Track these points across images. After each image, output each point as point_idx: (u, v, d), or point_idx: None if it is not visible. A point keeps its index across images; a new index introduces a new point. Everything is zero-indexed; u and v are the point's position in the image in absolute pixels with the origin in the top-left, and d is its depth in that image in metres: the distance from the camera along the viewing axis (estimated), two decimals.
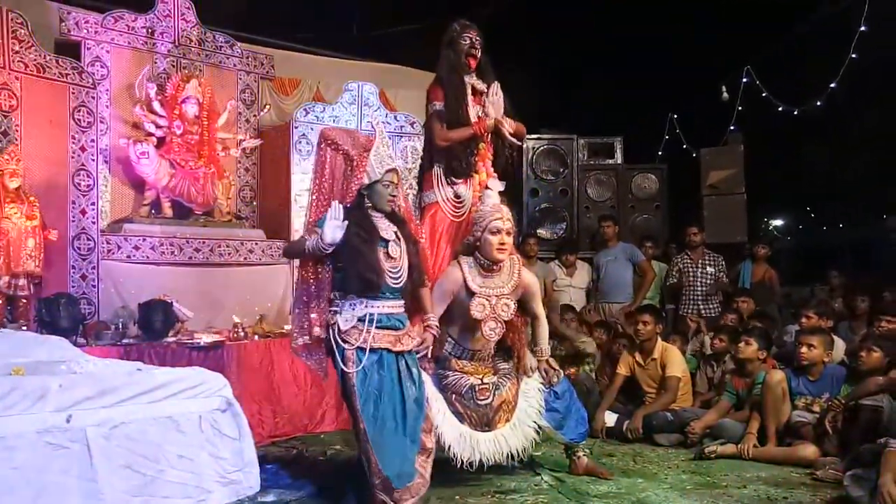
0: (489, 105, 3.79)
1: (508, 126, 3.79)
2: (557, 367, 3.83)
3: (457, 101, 3.80)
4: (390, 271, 3.06)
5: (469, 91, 3.87)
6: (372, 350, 3.01)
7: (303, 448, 4.44)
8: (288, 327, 4.79)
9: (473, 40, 3.84)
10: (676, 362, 4.81)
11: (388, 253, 3.07)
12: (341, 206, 2.99)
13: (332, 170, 3.17)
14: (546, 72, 8.38)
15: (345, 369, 2.99)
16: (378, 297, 3.05)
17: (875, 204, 8.73)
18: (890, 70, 7.33)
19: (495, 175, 3.90)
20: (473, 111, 3.85)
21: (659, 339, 4.94)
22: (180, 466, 2.16)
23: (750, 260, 6.79)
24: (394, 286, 3.07)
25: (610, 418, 4.74)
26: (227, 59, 6.21)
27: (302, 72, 7.08)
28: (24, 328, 4.15)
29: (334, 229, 2.95)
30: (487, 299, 3.52)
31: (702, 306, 6.25)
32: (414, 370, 3.19)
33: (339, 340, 3.01)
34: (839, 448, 3.78)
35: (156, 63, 5.76)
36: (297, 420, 4.78)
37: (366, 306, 3.03)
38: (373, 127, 3.19)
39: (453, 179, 3.81)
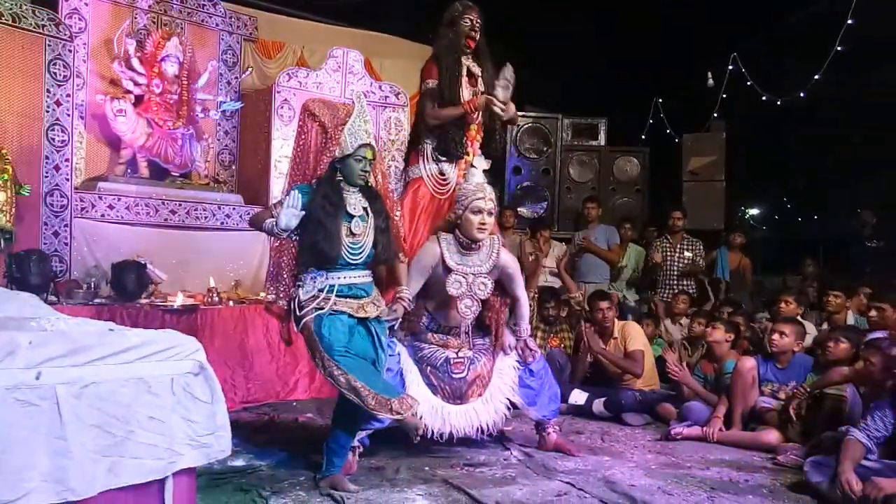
0: (499, 88, 3.77)
1: (503, 107, 3.77)
2: (535, 348, 3.86)
3: (451, 80, 3.77)
4: (350, 246, 3.05)
5: (464, 72, 3.85)
6: (335, 313, 3.01)
7: (274, 415, 4.44)
8: (263, 294, 4.77)
9: (474, 22, 3.82)
10: (636, 336, 4.87)
11: (350, 228, 3.06)
12: (299, 193, 3.00)
13: (309, 141, 3.15)
14: (533, 50, 8.31)
15: (304, 320, 2.99)
16: (338, 269, 3.05)
17: (851, 197, 8.86)
18: (873, 65, 7.39)
19: (481, 153, 3.89)
20: (467, 92, 3.83)
21: (616, 319, 5.00)
22: (151, 428, 2.13)
23: (726, 248, 6.88)
24: (353, 261, 3.07)
25: (580, 397, 4.79)
26: (210, 17, 6.08)
27: (286, 35, 6.96)
28: None
29: (289, 217, 2.97)
30: (464, 277, 3.53)
31: (676, 290, 6.34)
32: (383, 338, 3.20)
33: (298, 309, 3.03)
34: (802, 435, 3.87)
35: (136, 18, 5.63)
36: (269, 387, 4.78)
37: (326, 278, 3.04)
38: (353, 99, 3.15)
39: (439, 157, 3.79)
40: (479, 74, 3.89)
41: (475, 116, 3.83)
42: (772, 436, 3.96)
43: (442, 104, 3.76)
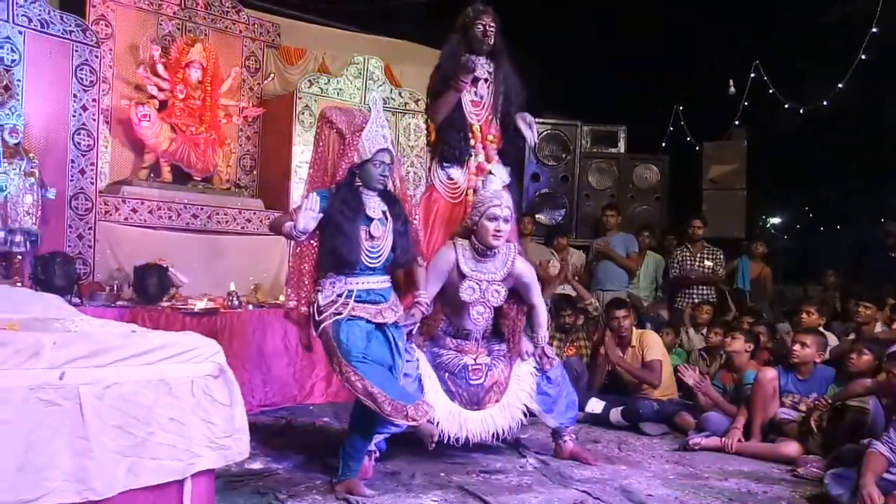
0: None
1: (530, 120, 3.84)
2: (553, 356, 3.84)
3: (445, 82, 3.74)
4: (369, 250, 3.07)
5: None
6: (354, 318, 3.03)
7: (291, 418, 4.47)
8: (282, 298, 4.82)
9: (486, 27, 3.78)
10: (655, 346, 4.83)
11: (369, 232, 3.07)
12: (318, 196, 3.02)
13: (327, 148, 3.18)
14: (552, 56, 8.32)
15: (323, 324, 3.02)
16: (356, 274, 3.07)
17: (873, 207, 8.74)
18: None
19: (500, 161, 3.89)
20: (467, 96, 3.80)
21: (634, 328, 4.97)
22: (171, 429, 2.16)
23: (747, 257, 6.82)
24: (371, 265, 3.09)
25: (597, 405, 4.77)
26: (233, 24, 6.16)
27: (308, 42, 7.02)
28: (19, 285, 4.15)
29: (308, 219, 2.98)
30: (478, 283, 3.53)
31: (696, 299, 6.28)
32: (400, 344, 3.21)
33: (317, 315, 3.06)
34: (822, 447, 3.82)
35: (161, 25, 5.72)
36: (286, 390, 4.81)
37: (345, 283, 3.06)
38: (369, 105, 3.18)
39: (444, 163, 3.81)
40: (486, 77, 3.84)
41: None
42: (792, 447, 3.91)
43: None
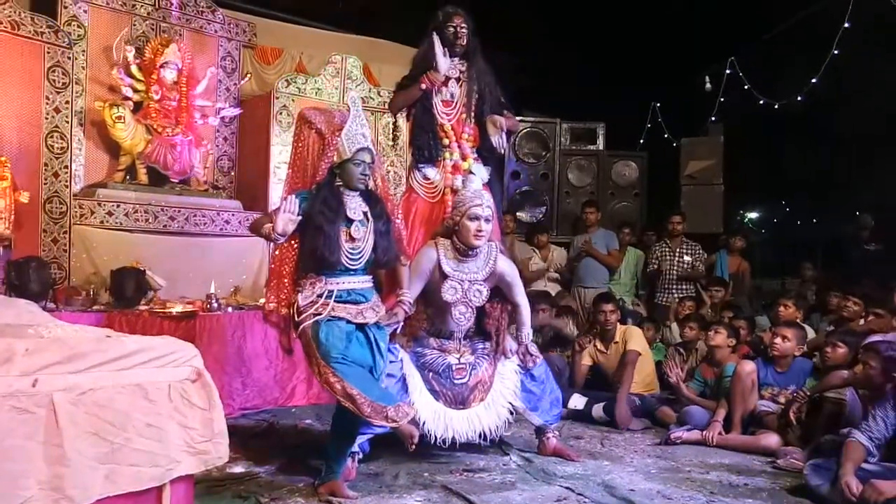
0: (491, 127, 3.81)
1: (501, 124, 3.78)
2: (536, 353, 3.84)
3: (413, 80, 3.76)
4: (349, 252, 3.05)
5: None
6: (334, 318, 3.01)
7: (273, 421, 4.44)
8: (262, 300, 4.79)
9: (458, 28, 3.79)
10: (636, 338, 4.84)
11: (350, 233, 3.06)
12: (297, 198, 3.00)
13: (306, 149, 3.16)
14: (531, 54, 8.34)
15: (302, 325, 2.99)
16: (337, 274, 3.06)
17: (849, 200, 8.87)
18: (870, 68, 7.41)
19: (480, 160, 3.88)
20: (438, 96, 3.80)
21: (618, 323, 4.98)
22: (148, 435, 2.13)
23: (725, 251, 6.89)
24: (352, 266, 3.07)
25: (580, 401, 4.78)
26: (208, 24, 6.10)
27: (285, 41, 6.98)
28: None
29: (286, 222, 2.96)
30: (460, 283, 3.52)
31: (675, 294, 6.33)
32: (382, 344, 3.20)
33: (297, 315, 3.03)
34: (801, 439, 3.86)
35: (134, 25, 5.64)
36: (267, 393, 4.77)
37: (325, 283, 3.04)
38: (348, 105, 3.16)
39: (418, 163, 3.81)
40: (458, 76, 3.84)
41: (451, 114, 3.78)
42: (772, 439, 3.95)
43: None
